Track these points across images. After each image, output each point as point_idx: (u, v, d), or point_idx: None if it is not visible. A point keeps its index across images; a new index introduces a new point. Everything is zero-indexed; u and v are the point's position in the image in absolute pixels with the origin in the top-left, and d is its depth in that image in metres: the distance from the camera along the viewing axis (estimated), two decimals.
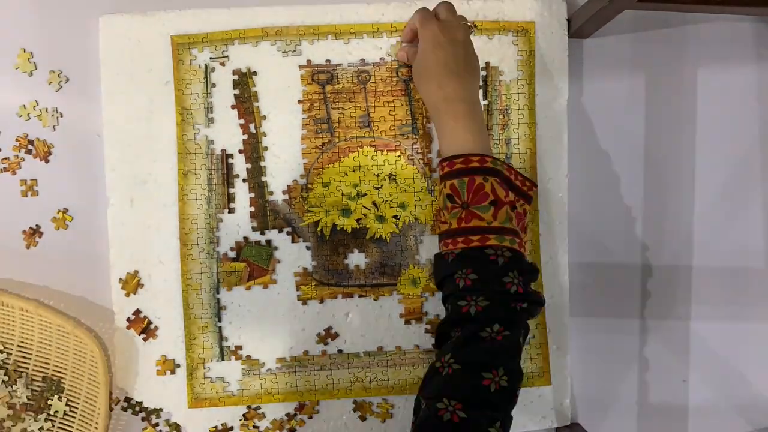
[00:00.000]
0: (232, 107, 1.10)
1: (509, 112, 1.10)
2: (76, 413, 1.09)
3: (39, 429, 1.08)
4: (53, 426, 1.08)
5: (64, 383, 1.08)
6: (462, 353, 0.86)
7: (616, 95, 1.14)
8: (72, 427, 1.09)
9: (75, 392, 1.09)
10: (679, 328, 1.16)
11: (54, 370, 1.09)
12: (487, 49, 1.10)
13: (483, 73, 1.10)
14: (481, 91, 1.10)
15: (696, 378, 1.16)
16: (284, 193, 1.10)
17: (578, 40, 1.13)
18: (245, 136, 1.09)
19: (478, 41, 1.09)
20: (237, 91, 1.09)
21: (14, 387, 1.08)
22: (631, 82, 1.15)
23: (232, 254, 1.10)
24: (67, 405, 1.08)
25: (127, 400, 1.10)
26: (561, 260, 1.11)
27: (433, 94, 0.99)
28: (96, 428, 1.07)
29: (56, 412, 1.08)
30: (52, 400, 1.08)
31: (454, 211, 0.93)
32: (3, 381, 1.08)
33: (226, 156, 1.09)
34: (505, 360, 0.86)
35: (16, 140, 1.11)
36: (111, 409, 1.08)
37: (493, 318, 0.87)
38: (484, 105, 1.10)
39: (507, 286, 0.88)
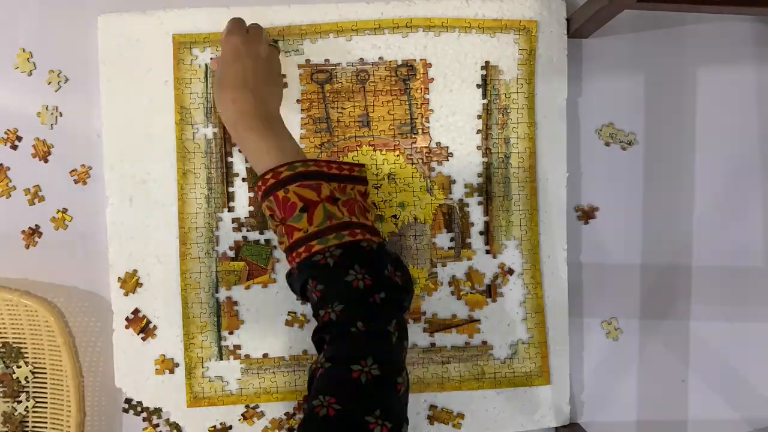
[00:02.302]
0: None
1: (508, 111, 1.10)
2: (45, 384, 1.10)
3: (24, 409, 1.10)
4: (28, 398, 1.10)
5: (24, 351, 1.09)
6: (330, 351, 0.84)
7: (615, 95, 1.14)
8: (45, 398, 1.10)
9: (39, 362, 1.10)
10: (679, 328, 1.16)
11: (13, 341, 1.10)
12: (486, 47, 1.10)
13: (482, 72, 1.10)
14: (479, 90, 1.10)
15: (695, 378, 1.16)
16: None
17: (578, 40, 1.13)
18: None
19: (477, 39, 1.09)
20: None
21: None
22: (631, 82, 1.15)
23: (231, 253, 1.10)
24: (32, 372, 1.09)
25: (128, 401, 1.10)
26: (560, 258, 1.12)
27: (228, 108, 0.97)
28: (67, 391, 1.07)
29: (26, 378, 1.09)
30: (15, 369, 1.09)
31: (279, 229, 0.91)
32: None
33: (225, 155, 1.09)
34: (373, 350, 0.83)
35: (5, 133, 1.11)
36: (81, 375, 1.10)
37: (354, 318, 0.84)
38: (483, 104, 1.10)
39: (353, 284, 0.85)
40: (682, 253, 1.16)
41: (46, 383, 1.10)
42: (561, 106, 1.11)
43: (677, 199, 1.15)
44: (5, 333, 1.09)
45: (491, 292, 1.11)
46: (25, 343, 1.09)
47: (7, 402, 1.09)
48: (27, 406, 1.09)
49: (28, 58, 1.10)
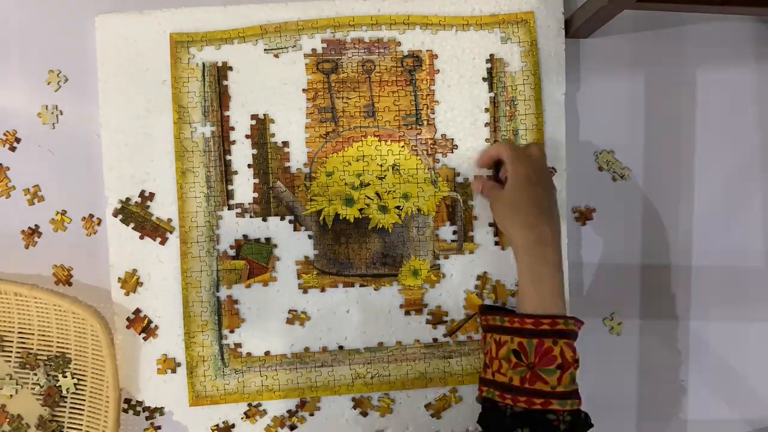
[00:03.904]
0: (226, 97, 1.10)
1: (516, 103, 1.10)
2: (84, 391, 1.09)
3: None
4: (66, 409, 1.10)
5: (69, 357, 1.09)
6: None
7: (615, 95, 1.15)
8: (83, 405, 1.09)
9: (81, 370, 1.09)
10: (679, 328, 1.16)
11: (58, 348, 1.09)
12: (484, 42, 1.10)
13: (488, 65, 1.10)
14: (485, 84, 1.10)
15: (695, 378, 1.16)
16: (287, 181, 1.10)
17: (577, 40, 1.13)
18: (253, 122, 1.09)
19: (475, 35, 1.10)
20: (227, 83, 1.10)
21: (36, 376, 1.09)
22: (631, 82, 1.15)
23: (232, 252, 1.09)
24: (74, 383, 1.09)
25: (127, 401, 1.10)
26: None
27: (524, 234, 0.98)
28: (107, 402, 1.07)
29: (67, 389, 1.09)
30: (60, 378, 1.08)
31: (519, 369, 0.93)
32: (22, 368, 1.09)
33: (223, 153, 1.09)
34: None
35: (4, 134, 1.11)
36: (120, 387, 1.08)
37: None
38: (489, 97, 1.10)
39: None
40: (682, 253, 1.16)
41: (85, 392, 1.09)
42: (560, 101, 1.11)
43: (677, 199, 1.15)
44: (51, 341, 1.09)
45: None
46: (69, 350, 1.09)
47: (46, 408, 1.09)
48: (65, 416, 1.09)
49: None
